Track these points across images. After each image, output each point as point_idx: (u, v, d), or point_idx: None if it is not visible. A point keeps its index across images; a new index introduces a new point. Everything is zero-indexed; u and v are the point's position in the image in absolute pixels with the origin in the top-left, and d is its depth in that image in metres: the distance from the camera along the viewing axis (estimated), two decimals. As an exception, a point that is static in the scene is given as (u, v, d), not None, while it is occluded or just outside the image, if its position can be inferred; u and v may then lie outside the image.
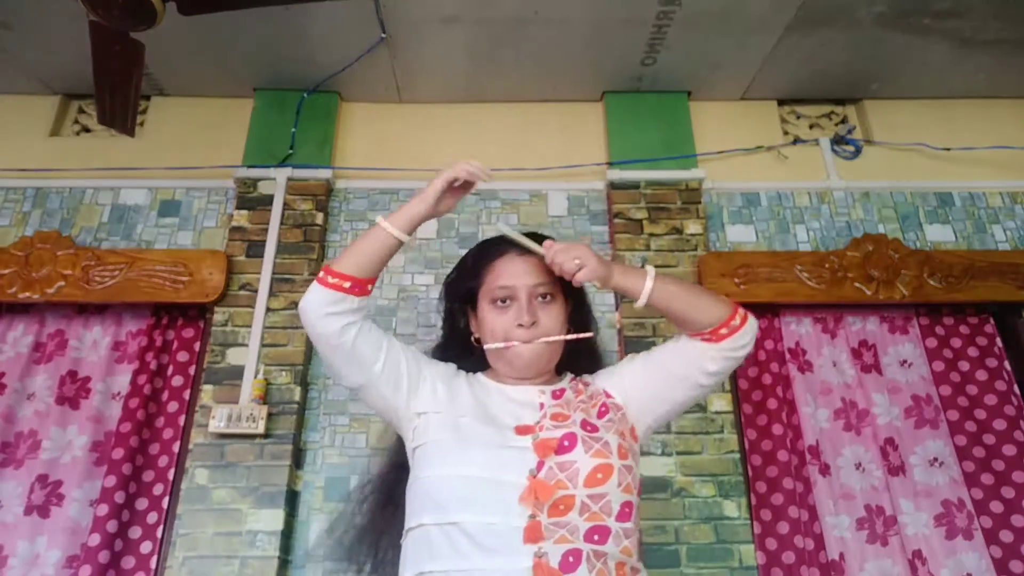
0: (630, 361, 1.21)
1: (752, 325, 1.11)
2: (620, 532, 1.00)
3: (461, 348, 1.24)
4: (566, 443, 1.03)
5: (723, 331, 1.09)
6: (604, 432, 1.06)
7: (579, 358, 1.25)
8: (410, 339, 2.40)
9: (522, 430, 1.06)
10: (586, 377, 1.22)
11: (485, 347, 1.17)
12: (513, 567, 0.94)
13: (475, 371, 1.22)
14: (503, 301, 1.15)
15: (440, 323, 1.32)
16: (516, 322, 1.13)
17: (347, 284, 1.10)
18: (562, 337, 1.15)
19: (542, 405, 1.12)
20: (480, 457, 1.03)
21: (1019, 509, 2.16)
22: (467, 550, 0.97)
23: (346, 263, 1.11)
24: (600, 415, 1.11)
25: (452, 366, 1.23)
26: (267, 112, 2.74)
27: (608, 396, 1.16)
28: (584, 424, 1.07)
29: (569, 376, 1.22)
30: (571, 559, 0.95)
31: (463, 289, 1.22)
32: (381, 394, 1.13)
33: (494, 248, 1.20)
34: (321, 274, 1.11)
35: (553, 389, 1.16)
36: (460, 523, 0.98)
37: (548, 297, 1.15)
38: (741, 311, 1.11)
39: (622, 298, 2.37)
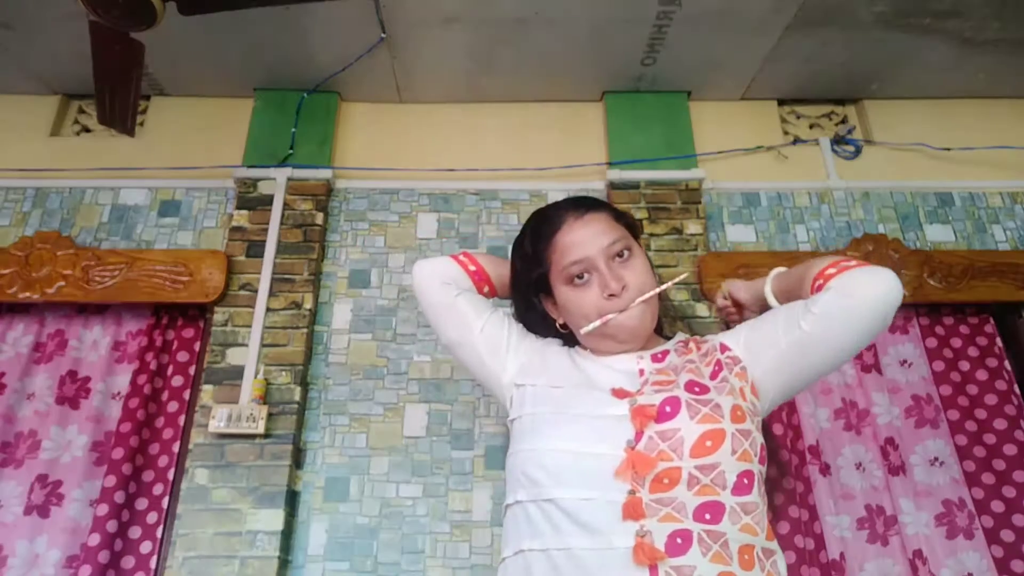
0: (756, 317, 1.08)
1: (879, 270, 0.93)
2: (737, 508, 0.87)
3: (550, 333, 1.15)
4: (668, 408, 0.92)
5: (829, 271, 0.96)
6: (716, 394, 0.94)
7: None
8: (410, 339, 2.40)
9: (620, 393, 0.97)
10: (707, 337, 1.09)
11: (581, 332, 1.04)
12: (611, 545, 0.85)
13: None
14: (580, 277, 1.03)
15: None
16: (606, 293, 1.01)
17: (473, 268, 1.17)
18: (658, 288, 1.04)
19: (642, 372, 1.02)
20: (573, 429, 0.95)
21: (1020, 508, 2.16)
22: (566, 527, 0.88)
23: (486, 261, 1.20)
24: (714, 375, 0.98)
25: (552, 340, 1.14)
26: (267, 112, 2.74)
27: (725, 350, 1.02)
28: (691, 386, 0.95)
29: (679, 338, 1.11)
30: (679, 540, 0.84)
31: (529, 280, 1.10)
32: (479, 356, 1.11)
33: (547, 224, 1.08)
34: (459, 254, 1.20)
35: (653, 353, 1.05)
36: (556, 499, 0.90)
37: (626, 252, 1.04)
38: (830, 270, 0.96)
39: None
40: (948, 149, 2.70)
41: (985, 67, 2.66)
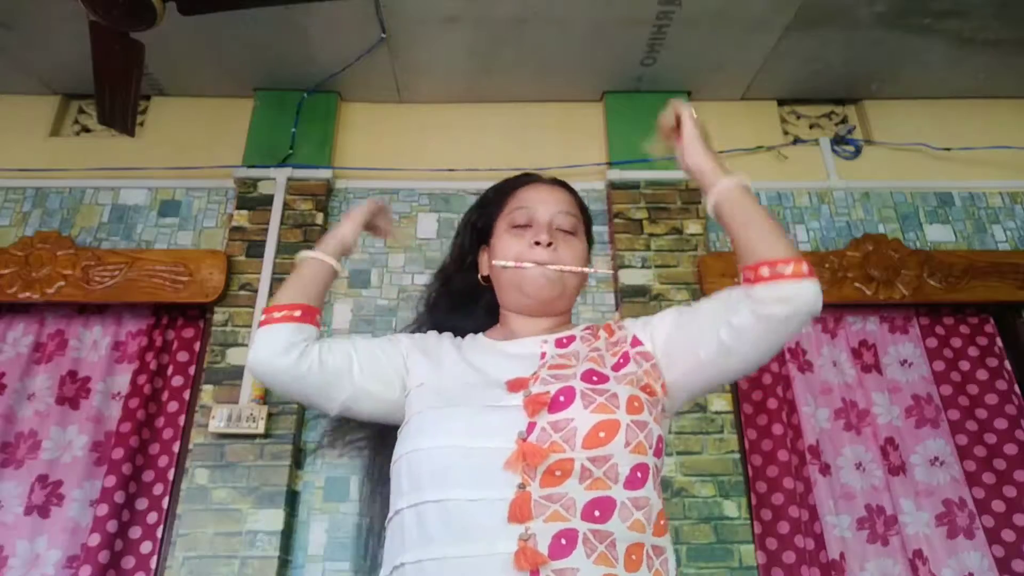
0: (672, 308, 1.03)
1: (803, 289, 0.85)
2: (628, 503, 0.83)
3: (457, 303, 1.13)
4: (561, 398, 0.87)
5: (763, 270, 0.87)
6: (615, 384, 0.90)
7: None
8: (410, 339, 2.39)
9: (514, 385, 0.91)
10: (620, 323, 1.04)
11: (494, 263, 1.05)
12: (491, 552, 0.79)
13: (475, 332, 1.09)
14: (522, 226, 1.04)
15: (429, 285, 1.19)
16: (533, 239, 1.02)
17: (297, 313, 1.00)
18: (580, 269, 1.03)
19: (543, 355, 0.98)
20: (461, 423, 0.88)
21: (1021, 508, 2.16)
22: (438, 534, 0.82)
23: (286, 295, 1.02)
24: (617, 366, 0.94)
25: (433, 333, 1.09)
26: (267, 112, 2.74)
27: (637, 344, 0.98)
28: (588, 375, 0.91)
29: (586, 324, 1.07)
30: (563, 541, 0.79)
31: (480, 221, 1.11)
32: (372, 397, 0.99)
33: (516, 179, 1.11)
34: (263, 318, 1.00)
35: (558, 337, 1.01)
36: (441, 501, 0.83)
37: (572, 232, 1.06)
38: (802, 266, 0.86)
39: (622, 299, 2.37)
40: (948, 149, 2.70)
41: (985, 67, 2.66)
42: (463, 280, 1.15)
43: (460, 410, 0.90)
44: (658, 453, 0.89)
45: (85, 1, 1.72)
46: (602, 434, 0.84)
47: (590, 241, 1.12)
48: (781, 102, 2.88)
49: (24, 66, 2.65)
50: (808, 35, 2.49)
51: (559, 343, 1.00)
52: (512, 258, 1.02)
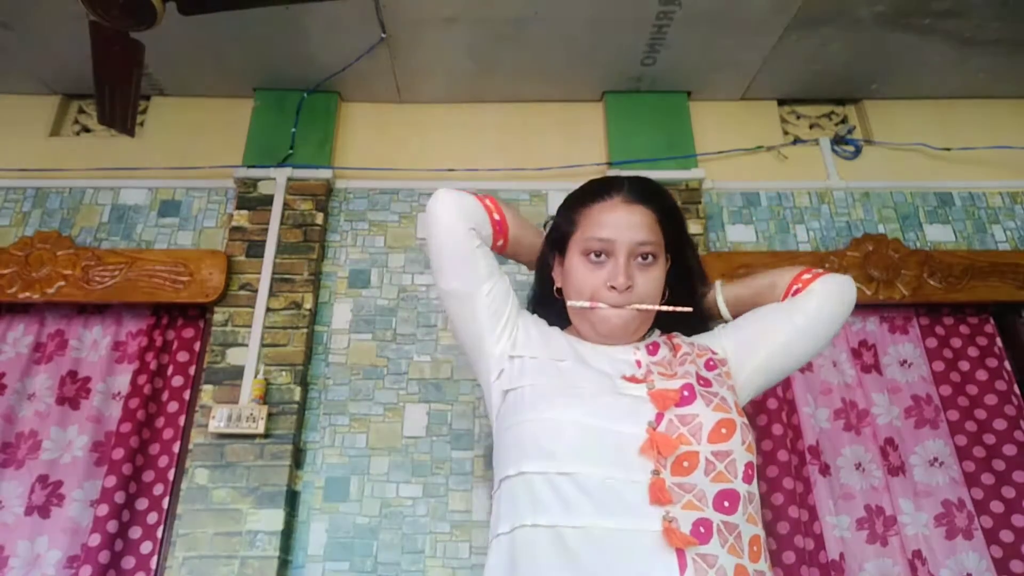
0: (731, 322, 1.13)
1: (823, 287, 1.05)
2: (747, 496, 0.89)
3: (543, 296, 1.15)
4: (686, 393, 0.92)
5: (797, 285, 1.08)
6: (718, 386, 0.96)
7: (680, 325, 1.11)
8: (410, 339, 2.40)
9: (632, 379, 0.96)
10: (680, 336, 1.10)
11: (568, 303, 1.05)
12: (640, 528, 0.82)
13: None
14: (597, 255, 1.02)
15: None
16: (609, 283, 1.00)
17: (497, 217, 1.09)
18: (655, 307, 1.03)
19: (639, 363, 1.01)
20: (592, 403, 0.91)
21: (1020, 509, 2.16)
22: (580, 505, 0.84)
23: (509, 214, 1.12)
24: (708, 367, 1.00)
25: (542, 320, 1.13)
26: (267, 112, 2.74)
27: (712, 352, 1.05)
28: (697, 377, 0.96)
29: (658, 332, 1.11)
30: (702, 529, 0.83)
31: (556, 234, 1.11)
32: (475, 313, 1.03)
33: (597, 191, 1.07)
34: (485, 197, 1.10)
35: (646, 345, 1.05)
36: (573, 474, 0.86)
37: (650, 258, 1.03)
38: (806, 276, 1.08)
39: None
40: (948, 149, 2.70)
41: (985, 67, 2.66)
42: (541, 285, 1.17)
43: (588, 390, 0.94)
44: (753, 451, 0.95)
45: (85, 1, 1.72)
46: (724, 431, 0.89)
47: (686, 244, 1.13)
48: (781, 102, 2.88)
49: (24, 66, 2.64)
50: (808, 35, 2.49)
51: (649, 350, 1.04)
52: (586, 296, 1.02)
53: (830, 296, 1.04)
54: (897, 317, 2.47)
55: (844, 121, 2.86)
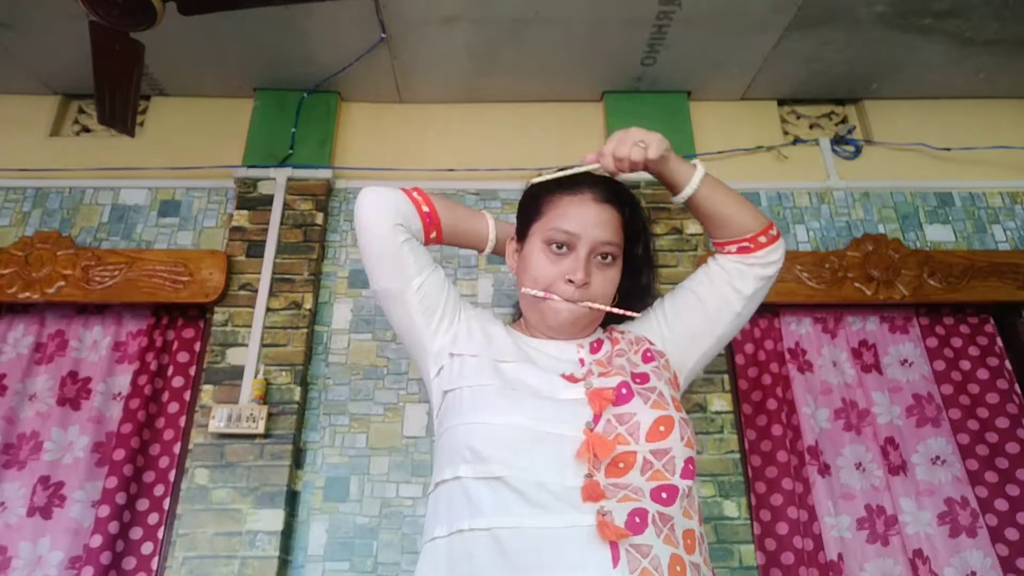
0: (659, 305, 1.11)
1: (783, 243, 1.07)
2: (685, 491, 0.89)
3: None
4: (624, 391, 0.92)
5: (762, 239, 1.04)
6: (655, 381, 0.96)
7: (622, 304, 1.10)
8: (410, 339, 2.40)
9: (571, 378, 0.95)
10: (619, 327, 1.10)
11: (522, 290, 1.04)
12: (574, 524, 0.83)
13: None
14: (559, 247, 1.01)
15: None
16: (567, 276, 1.00)
17: (426, 209, 1.06)
18: (606, 308, 1.02)
19: (582, 361, 1.01)
20: (530, 406, 0.91)
21: None
22: (514, 506, 0.85)
23: (440, 204, 1.08)
24: (646, 359, 1.01)
25: (489, 312, 1.13)
26: (267, 112, 2.74)
27: (650, 343, 1.05)
28: (634, 375, 0.96)
29: (601, 329, 1.10)
30: (637, 520, 0.84)
31: (520, 220, 1.10)
32: (409, 313, 1.04)
33: (567, 183, 1.07)
34: (412, 190, 1.06)
35: (590, 341, 1.05)
36: (505, 478, 0.86)
37: (610, 258, 1.03)
38: (772, 232, 1.06)
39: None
40: (948, 149, 2.70)
41: (985, 67, 2.66)
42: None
43: (525, 393, 0.94)
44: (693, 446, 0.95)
45: (85, 1, 1.72)
46: (662, 428, 0.89)
47: (648, 248, 1.12)
48: (781, 102, 2.88)
49: (24, 66, 2.65)
50: (808, 35, 2.49)
51: (592, 348, 1.04)
52: (542, 283, 1.01)
53: (771, 276, 1.05)
54: (897, 317, 2.47)
55: (844, 121, 2.86)
